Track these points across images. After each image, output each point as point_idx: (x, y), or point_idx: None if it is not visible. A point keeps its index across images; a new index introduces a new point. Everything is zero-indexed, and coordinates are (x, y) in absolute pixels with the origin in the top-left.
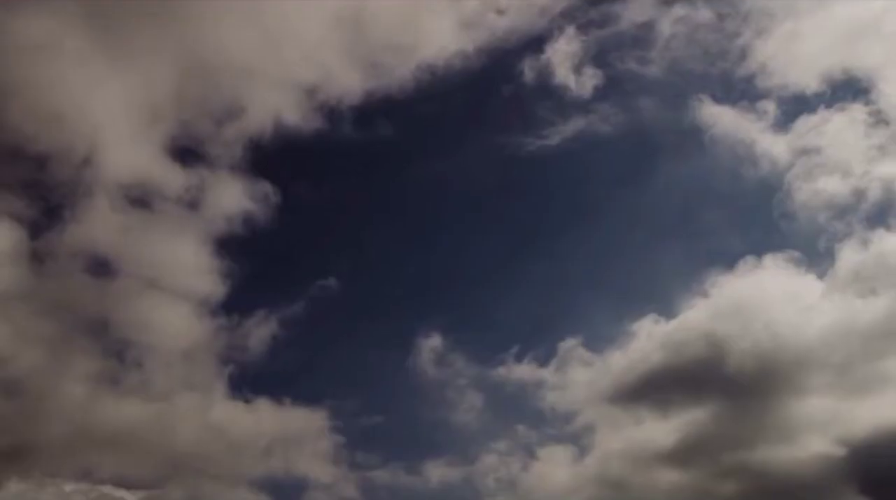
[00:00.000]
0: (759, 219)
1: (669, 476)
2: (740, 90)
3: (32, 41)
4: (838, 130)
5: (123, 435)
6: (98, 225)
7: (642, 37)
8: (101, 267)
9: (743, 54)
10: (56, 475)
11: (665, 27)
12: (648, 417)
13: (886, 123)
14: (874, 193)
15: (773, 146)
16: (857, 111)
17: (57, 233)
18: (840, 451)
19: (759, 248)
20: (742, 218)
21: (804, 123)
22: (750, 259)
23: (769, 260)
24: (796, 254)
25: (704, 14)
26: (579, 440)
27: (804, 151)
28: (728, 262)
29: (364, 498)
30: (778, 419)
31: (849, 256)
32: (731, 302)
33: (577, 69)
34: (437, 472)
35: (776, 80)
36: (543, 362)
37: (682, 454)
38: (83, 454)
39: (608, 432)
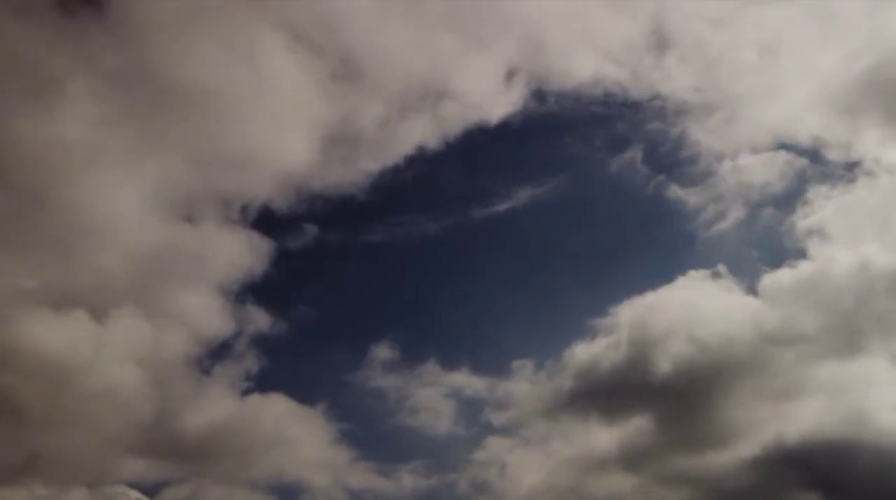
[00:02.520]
0: (694, 240)
1: (619, 481)
2: None
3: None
4: None
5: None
6: None
7: None
8: None
9: None
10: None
11: None
12: (595, 426)
13: None
14: None
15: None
16: None
17: None
18: (780, 451)
19: (692, 265)
20: (677, 239)
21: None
22: (684, 276)
23: (700, 277)
24: (725, 270)
25: None
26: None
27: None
28: (664, 279)
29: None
30: (717, 424)
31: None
32: (668, 317)
33: None
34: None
35: None
36: (497, 376)
37: (628, 460)
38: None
39: (558, 440)
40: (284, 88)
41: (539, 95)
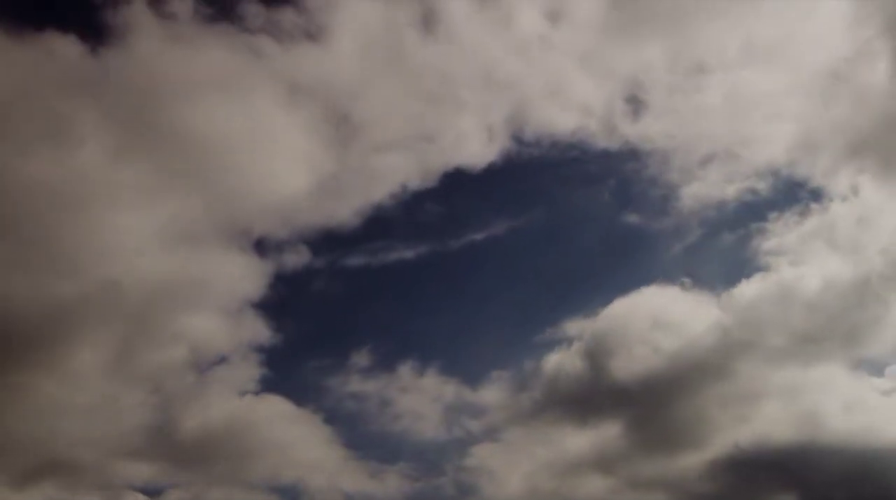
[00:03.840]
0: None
1: (595, 484)
2: None
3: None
4: None
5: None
6: None
7: None
8: None
9: None
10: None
11: None
12: (568, 432)
13: None
14: None
15: None
16: None
17: None
18: (747, 454)
19: (658, 278)
20: (643, 256)
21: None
22: (650, 288)
23: (666, 288)
24: (690, 283)
25: None
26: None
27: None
28: (631, 290)
29: None
30: (685, 427)
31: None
32: (635, 326)
33: None
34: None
35: None
36: (476, 384)
37: (601, 464)
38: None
39: (535, 445)
40: (282, 132)
41: (518, 142)
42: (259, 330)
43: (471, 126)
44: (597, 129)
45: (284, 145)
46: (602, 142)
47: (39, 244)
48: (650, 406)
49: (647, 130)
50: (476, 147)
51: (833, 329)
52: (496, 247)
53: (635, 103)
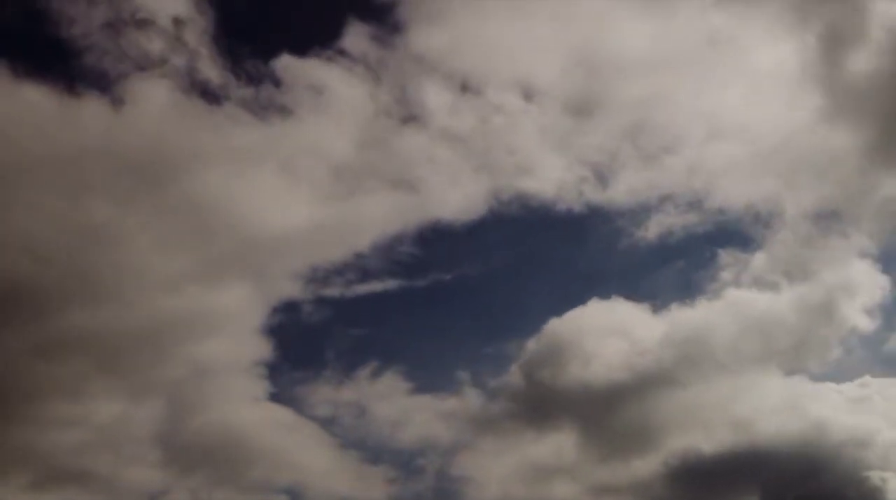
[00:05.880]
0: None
1: (559, 490)
2: None
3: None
4: None
5: None
6: None
7: None
8: None
9: None
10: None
11: None
12: (530, 439)
13: None
14: None
15: None
16: None
17: None
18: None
19: (609, 293)
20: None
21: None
22: (603, 298)
23: (617, 300)
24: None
25: None
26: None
27: None
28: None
29: None
30: (640, 434)
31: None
32: (589, 337)
33: None
34: None
35: None
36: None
37: (561, 471)
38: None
39: (500, 452)
40: (288, 195)
41: (493, 202)
42: (262, 349)
43: (448, 189)
44: (564, 194)
45: (288, 203)
46: (569, 205)
47: (76, 279)
48: (605, 415)
49: (612, 195)
50: (453, 205)
51: (774, 344)
52: (464, 280)
53: (602, 177)
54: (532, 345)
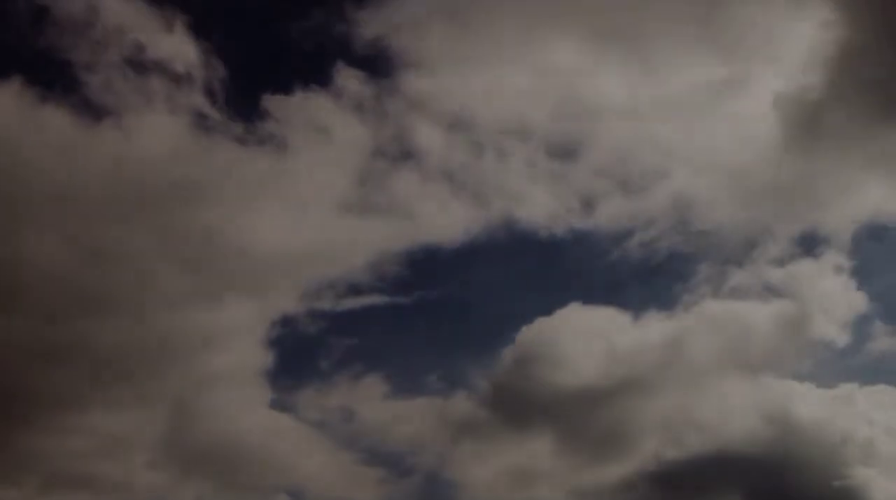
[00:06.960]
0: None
1: (541, 494)
2: None
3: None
4: None
5: None
6: None
7: None
8: None
9: None
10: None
11: None
12: (507, 444)
13: None
14: None
15: None
16: None
17: None
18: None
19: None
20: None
21: None
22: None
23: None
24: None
25: None
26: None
27: None
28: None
29: None
30: (616, 438)
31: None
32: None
33: None
34: None
35: None
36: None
37: (537, 475)
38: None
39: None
40: (287, 222)
41: (484, 226)
42: (264, 360)
43: (438, 216)
44: (550, 222)
45: (283, 227)
46: (554, 231)
47: (90, 296)
48: (581, 418)
49: (597, 221)
50: (442, 231)
51: (750, 352)
52: (448, 295)
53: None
54: (512, 351)
